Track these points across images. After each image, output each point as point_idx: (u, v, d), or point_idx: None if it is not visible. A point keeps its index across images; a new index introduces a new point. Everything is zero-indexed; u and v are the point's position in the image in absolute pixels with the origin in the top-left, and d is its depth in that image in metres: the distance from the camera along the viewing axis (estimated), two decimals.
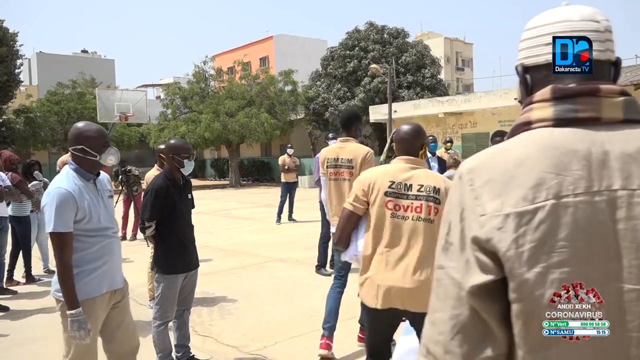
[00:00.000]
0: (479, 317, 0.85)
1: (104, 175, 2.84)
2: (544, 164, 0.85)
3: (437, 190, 2.44)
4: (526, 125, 0.92)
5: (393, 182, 2.50)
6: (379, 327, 2.64)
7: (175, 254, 3.50)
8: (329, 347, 3.86)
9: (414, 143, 2.58)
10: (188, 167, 3.58)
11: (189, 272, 3.61)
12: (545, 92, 0.92)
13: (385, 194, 2.50)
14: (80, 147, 2.62)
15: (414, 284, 2.41)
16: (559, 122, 0.89)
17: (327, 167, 3.92)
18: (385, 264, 2.48)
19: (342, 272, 4.03)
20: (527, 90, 0.97)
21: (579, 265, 0.80)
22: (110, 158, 2.71)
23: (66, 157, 4.91)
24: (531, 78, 0.97)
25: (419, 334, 2.42)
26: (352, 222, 2.64)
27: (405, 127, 2.64)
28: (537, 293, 0.81)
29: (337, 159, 3.87)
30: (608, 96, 0.88)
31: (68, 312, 2.49)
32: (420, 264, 2.42)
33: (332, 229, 4.01)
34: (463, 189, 0.90)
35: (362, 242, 2.62)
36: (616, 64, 0.96)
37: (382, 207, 2.50)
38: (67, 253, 2.50)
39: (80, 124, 2.72)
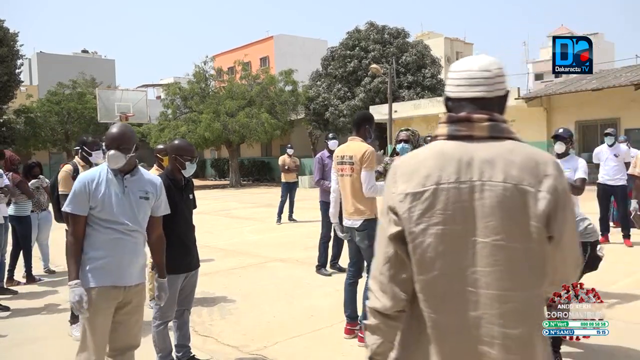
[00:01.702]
0: (398, 254, 1.39)
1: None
2: (433, 163, 1.36)
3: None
4: (435, 138, 1.44)
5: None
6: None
7: (177, 253, 3.51)
8: (350, 332, 4.25)
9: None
10: (189, 170, 3.61)
11: (190, 272, 3.63)
12: (444, 117, 1.43)
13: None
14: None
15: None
16: (450, 137, 1.39)
17: (336, 163, 4.31)
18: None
19: (352, 262, 4.32)
20: (447, 111, 1.47)
21: (448, 225, 1.32)
22: (111, 160, 2.78)
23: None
24: (450, 104, 1.46)
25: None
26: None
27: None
28: (419, 240, 1.34)
29: (343, 156, 4.20)
30: (478, 121, 1.36)
31: (68, 283, 2.72)
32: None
33: (336, 221, 4.55)
34: (389, 178, 1.45)
35: None
36: (505, 96, 1.44)
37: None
38: (76, 231, 2.75)
39: (113, 125, 2.97)
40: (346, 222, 4.22)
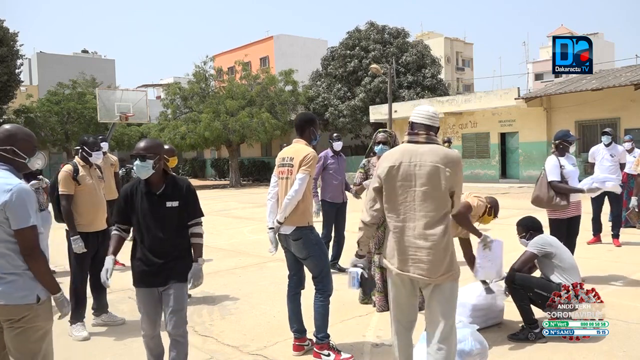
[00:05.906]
0: (376, 196, 2.99)
1: None
2: (399, 153, 2.93)
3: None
4: (403, 142, 3.03)
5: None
6: None
7: (136, 265, 3.23)
8: (299, 348, 3.99)
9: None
10: (137, 169, 3.15)
11: (155, 288, 3.21)
12: (408, 133, 3.00)
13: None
14: None
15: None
16: (409, 142, 2.96)
17: (277, 166, 4.02)
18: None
19: (291, 274, 4.08)
20: (409, 129, 3.00)
21: (403, 181, 2.87)
22: None
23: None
24: (413, 125, 2.99)
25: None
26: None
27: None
28: (389, 192, 2.92)
29: (284, 158, 3.95)
30: (421, 135, 2.93)
31: None
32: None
33: (269, 225, 4.04)
34: (380, 160, 3.20)
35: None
36: (438, 126, 3.00)
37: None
38: None
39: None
40: (282, 230, 3.87)
